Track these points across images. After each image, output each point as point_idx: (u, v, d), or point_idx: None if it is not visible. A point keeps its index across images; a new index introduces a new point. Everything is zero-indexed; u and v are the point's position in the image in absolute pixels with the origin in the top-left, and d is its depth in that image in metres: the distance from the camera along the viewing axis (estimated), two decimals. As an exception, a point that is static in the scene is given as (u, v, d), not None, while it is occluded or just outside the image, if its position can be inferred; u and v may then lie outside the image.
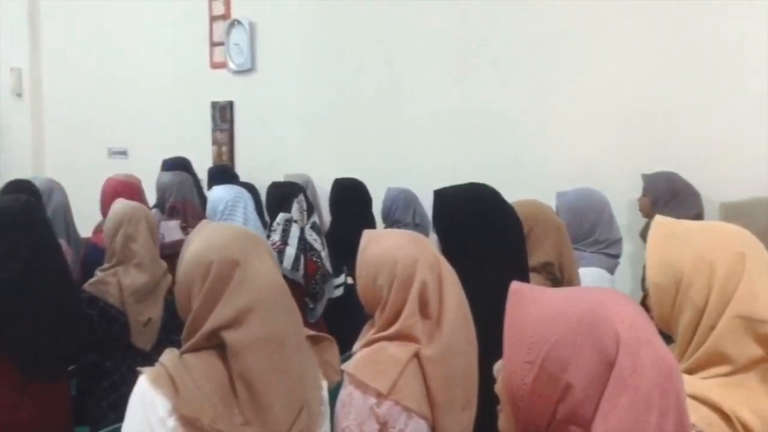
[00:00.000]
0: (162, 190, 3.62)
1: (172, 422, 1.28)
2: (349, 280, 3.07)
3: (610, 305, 0.90)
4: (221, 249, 1.38)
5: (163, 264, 2.65)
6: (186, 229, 3.36)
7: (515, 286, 0.98)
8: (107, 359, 2.51)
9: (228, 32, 4.85)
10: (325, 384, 1.52)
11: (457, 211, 1.88)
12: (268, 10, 4.73)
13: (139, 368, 1.42)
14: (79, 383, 2.60)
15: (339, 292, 3.23)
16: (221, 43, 4.92)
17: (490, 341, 1.21)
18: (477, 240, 1.81)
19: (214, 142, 5.04)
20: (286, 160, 4.63)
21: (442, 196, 1.94)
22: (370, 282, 1.60)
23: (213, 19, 4.97)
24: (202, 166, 4.52)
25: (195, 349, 1.36)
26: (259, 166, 4.75)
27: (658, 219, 1.39)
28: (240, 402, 1.31)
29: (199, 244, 1.41)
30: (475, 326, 1.58)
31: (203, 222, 1.56)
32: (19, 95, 6.09)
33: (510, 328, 0.94)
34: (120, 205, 2.69)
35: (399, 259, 1.56)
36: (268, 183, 3.96)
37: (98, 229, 3.88)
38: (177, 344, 1.41)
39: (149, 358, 2.58)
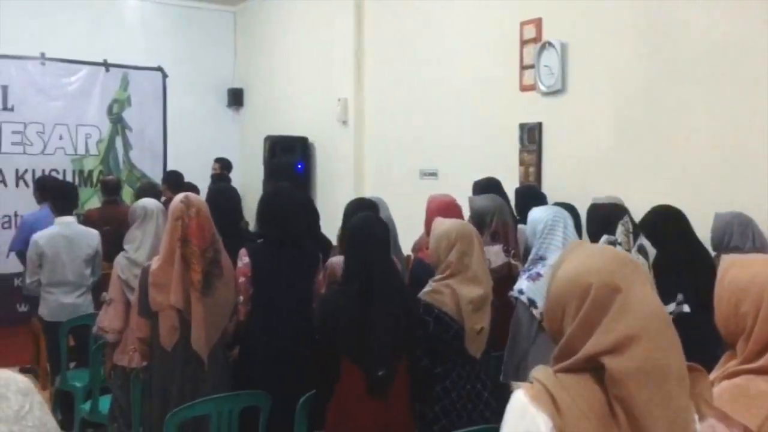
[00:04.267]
0: (481, 214, 3.72)
1: (555, 440, 1.31)
2: (686, 308, 2.89)
3: None
4: (601, 272, 1.39)
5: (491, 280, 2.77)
6: (508, 252, 3.45)
7: None
8: (438, 365, 2.68)
9: (539, 54, 4.91)
10: (696, 418, 1.44)
11: None
12: (581, 31, 4.70)
13: (512, 382, 1.47)
14: (411, 388, 2.79)
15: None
16: (531, 66, 5.00)
17: None
18: None
19: (521, 162, 5.13)
20: (595, 181, 4.54)
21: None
22: (731, 309, 1.50)
23: (524, 43, 5.08)
24: (508, 186, 4.62)
25: (569, 370, 1.38)
26: (567, 186, 4.72)
27: None
28: (621, 428, 1.30)
29: (576, 265, 1.43)
30: None
31: (575, 242, 1.58)
32: (345, 122, 6.82)
33: None
34: (451, 223, 2.87)
35: (767, 286, 1.44)
36: (576, 204, 3.93)
37: (420, 245, 4.18)
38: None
39: (477, 366, 2.70)
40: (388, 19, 6.49)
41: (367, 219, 2.79)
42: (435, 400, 2.66)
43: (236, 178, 7.61)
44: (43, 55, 7.58)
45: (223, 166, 7.65)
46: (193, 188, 6.27)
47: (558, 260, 1.53)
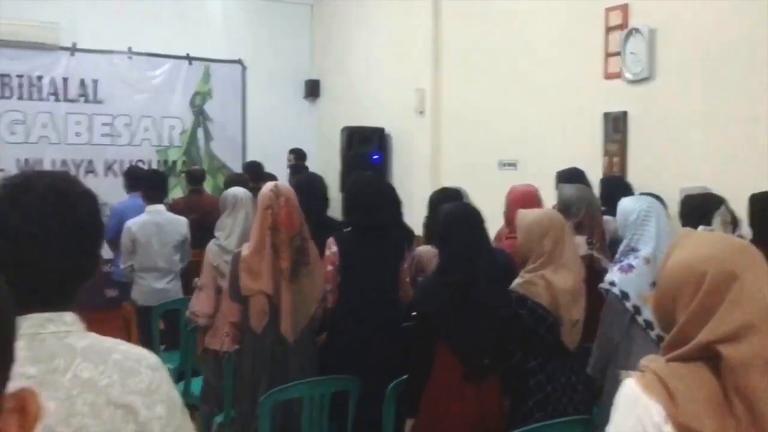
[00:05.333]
0: (567, 204, 3.67)
1: (668, 429, 1.29)
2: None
3: None
4: (716, 260, 1.36)
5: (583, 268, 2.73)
6: (592, 244, 3.38)
7: None
8: (532, 359, 2.66)
9: (625, 41, 4.79)
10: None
11: None
12: (669, 16, 4.55)
13: (623, 371, 1.46)
14: (503, 381, 2.78)
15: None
16: (617, 53, 4.88)
17: None
18: None
19: (605, 153, 5.01)
20: (684, 171, 4.40)
21: None
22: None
23: (609, 30, 4.96)
24: (591, 177, 4.52)
25: (682, 359, 1.36)
26: (653, 177, 4.59)
27: None
28: (738, 418, 1.27)
29: (690, 252, 1.41)
30: None
31: (687, 230, 1.55)
32: (422, 113, 6.82)
33: None
34: (541, 212, 2.84)
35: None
36: (663, 195, 3.81)
37: (500, 236, 4.15)
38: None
39: (572, 359, 2.67)
40: (468, 7, 6.44)
41: (463, 206, 2.80)
42: (529, 394, 2.64)
43: (312, 169, 7.71)
44: (130, 49, 7.89)
45: (298, 157, 7.76)
46: (272, 178, 6.40)
47: (668, 249, 1.51)
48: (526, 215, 2.82)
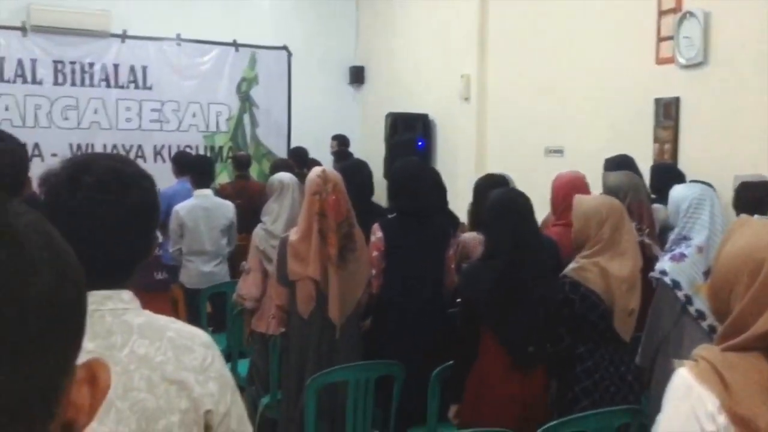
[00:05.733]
0: (614, 191, 3.60)
1: (722, 419, 1.27)
2: None
3: None
4: (773, 248, 1.33)
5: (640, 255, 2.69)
6: (642, 231, 3.31)
7: None
8: (581, 345, 2.63)
9: (678, 25, 4.66)
10: None
11: None
12: (725, -2, 4.42)
13: (676, 360, 1.44)
14: (550, 367, 2.76)
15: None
16: (670, 38, 4.75)
17: None
18: None
19: (656, 139, 4.90)
20: (739, 159, 4.28)
21: None
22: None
23: (662, 13, 4.83)
24: (641, 164, 4.43)
25: (738, 348, 1.33)
26: (707, 164, 4.48)
27: None
28: (797, 411, 1.24)
29: (746, 241, 1.38)
30: None
31: (743, 218, 1.52)
32: (467, 99, 6.77)
33: None
34: (600, 198, 2.80)
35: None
36: (716, 183, 3.72)
37: (546, 224, 4.10)
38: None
39: (622, 349, 2.64)
40: (513, -8, 6.36)
41: (512, 192, 2.78)
42: (576, 380, 2.62)
43: (356, 155, 7.73)
44: (178, 36, 7.99)
45: (341, 143, 7.78)
46: (317, 164, 6.45)
47: (724, 237, 1.48)
48: (583, 201, 2.78)
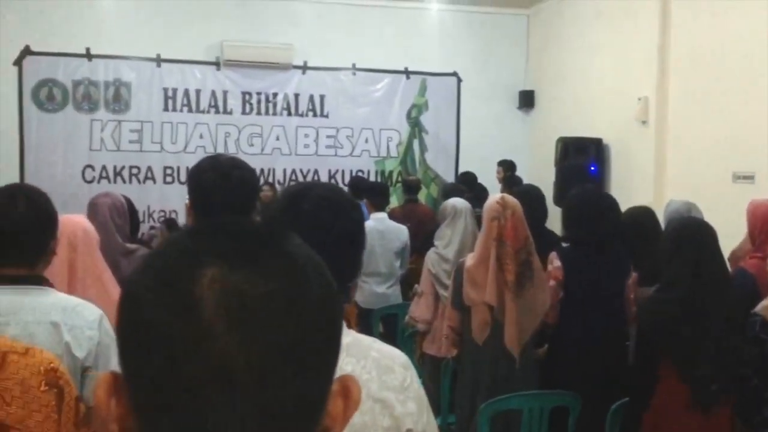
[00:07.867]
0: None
1: None
2: None
3: None
4: None
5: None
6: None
7: None
8: (771, 389, 2.43)
9: None
10: None
11: None
12: None
13: None
14: (737, 410, 2.58)
15: None
16: None
17: None
18: None
19: None
20: None
21: None
22: None
23: None
24: None
25: None
26: None
27: None
28: None
29: None
30: None
31: None
32: (644, 122, 6.49)
33: None
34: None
35: None
36: None
37: (736, 256, 3.82)
38: None
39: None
40: (697, 10, 6.03)
41: (694, 221, 2.65)
42: (764, 424, 2.43)
43: (525, 181, 7.64)
44: (354, 66, 8.39)
45: (507, 168, 7.69)
46: (484, 190, 6.46)
47: None
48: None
